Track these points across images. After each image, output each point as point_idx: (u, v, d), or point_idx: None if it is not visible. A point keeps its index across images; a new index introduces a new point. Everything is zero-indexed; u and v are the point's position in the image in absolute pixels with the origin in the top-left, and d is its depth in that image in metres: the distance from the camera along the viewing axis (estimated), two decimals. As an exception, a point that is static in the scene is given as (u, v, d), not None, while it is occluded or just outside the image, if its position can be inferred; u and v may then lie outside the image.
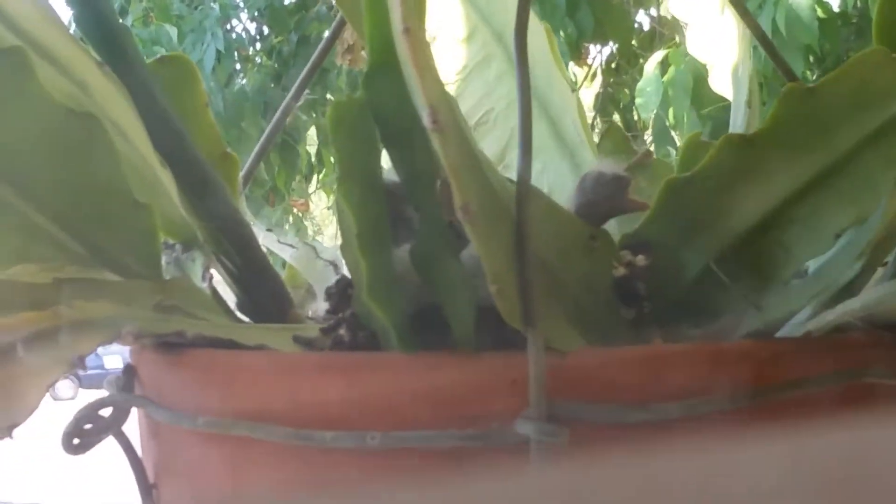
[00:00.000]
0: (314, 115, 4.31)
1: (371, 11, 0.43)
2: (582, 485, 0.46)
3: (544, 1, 3.78)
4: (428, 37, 0.99)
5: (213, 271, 0.76)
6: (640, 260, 0.61)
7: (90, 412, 0.65)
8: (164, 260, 0.85)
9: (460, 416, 0.48)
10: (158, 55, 0.86)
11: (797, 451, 0.47)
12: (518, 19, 0.57)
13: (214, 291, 0.77)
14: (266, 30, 4.30)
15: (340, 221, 0.50)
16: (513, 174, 0.90)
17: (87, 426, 0.65)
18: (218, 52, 4.50)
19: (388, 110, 0.44)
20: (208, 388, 0.59)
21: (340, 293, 0.63)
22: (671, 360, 0.48)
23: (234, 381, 0.57)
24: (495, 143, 0.97)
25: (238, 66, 4.64)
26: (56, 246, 0.70)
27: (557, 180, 0.92)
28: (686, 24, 0.97)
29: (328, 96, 4.30)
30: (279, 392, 0.54)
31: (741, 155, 0.57)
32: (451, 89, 0.97)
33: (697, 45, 0.96)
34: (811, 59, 3.25)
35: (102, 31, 0.69)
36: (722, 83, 0.93)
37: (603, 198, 0.61)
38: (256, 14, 4.19)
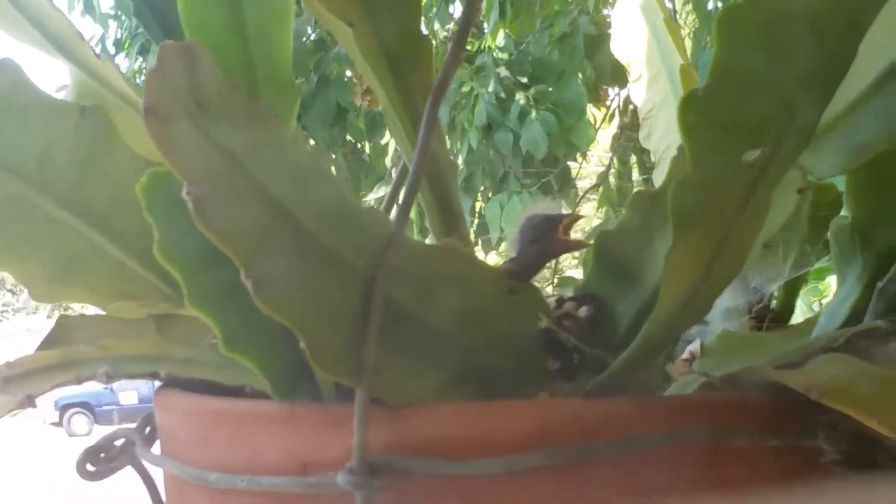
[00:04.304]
0: (333, 157, 4.27)
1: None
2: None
3: (563, 43, 3.74)
4: (634, 76, 1.02)
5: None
6: (582, 311, 0.61)
7: (106, 442, 0.71)
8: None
9: (313, 463, 0.50)
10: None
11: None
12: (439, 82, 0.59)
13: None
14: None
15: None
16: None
17: (101, 455, 0.70)
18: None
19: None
20: (161, 426, 0.64)
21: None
22: (498, 415, 0.49)
23: (169, 420, 0.62)
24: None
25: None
26: (146, 285, 0.77)
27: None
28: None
29: (347, 137, 4.27)
30: (193, 433, 0.58)
31: (649, 211, 0.57)
32: (646, 126, 1.00)
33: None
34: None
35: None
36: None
37: (531, 240, 0.62)
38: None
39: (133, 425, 0.72)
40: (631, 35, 1.02)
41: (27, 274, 0.70)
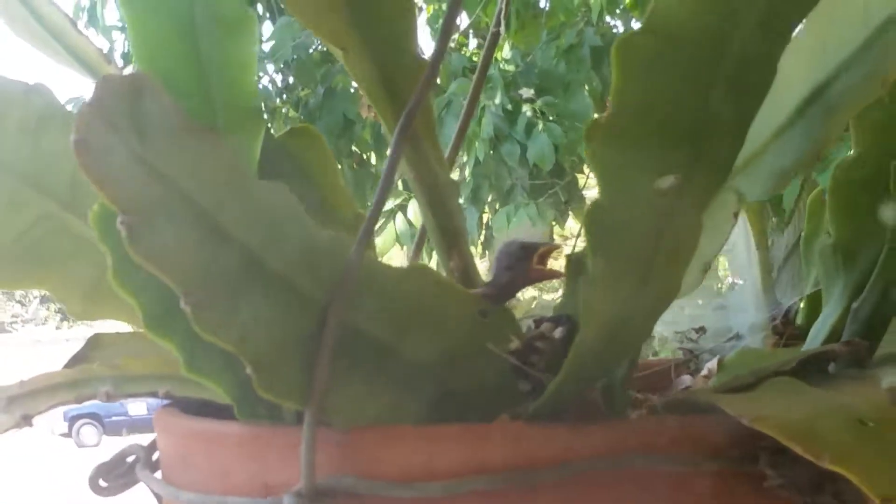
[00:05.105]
0: (340, 167, 4.22)
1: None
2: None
3: (570, 55, 3.68)
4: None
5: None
6: (557, 332, 0.62)
7: (118, 458, 0.73)
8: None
9: (273, 484, 0.52)
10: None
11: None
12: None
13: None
14: (292, 81, 4.21)
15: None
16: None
17: (114, 471, 0.72)
18: (246, 103, 4.42)
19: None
20: (158, 445, 0.66)
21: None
22: (440, 439, 0.50)
23: (162, 440, 0.64)
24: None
25: (265, 118, 4.51)
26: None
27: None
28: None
29: (353, 148, 4.22)
30: (177, 453, 0.60)
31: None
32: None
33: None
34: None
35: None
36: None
37: (505, 266, 0.62)
38: (283, 66, 4.11)
39: (142, 437, 0.74)
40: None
41: (62, 291, 0.73)
